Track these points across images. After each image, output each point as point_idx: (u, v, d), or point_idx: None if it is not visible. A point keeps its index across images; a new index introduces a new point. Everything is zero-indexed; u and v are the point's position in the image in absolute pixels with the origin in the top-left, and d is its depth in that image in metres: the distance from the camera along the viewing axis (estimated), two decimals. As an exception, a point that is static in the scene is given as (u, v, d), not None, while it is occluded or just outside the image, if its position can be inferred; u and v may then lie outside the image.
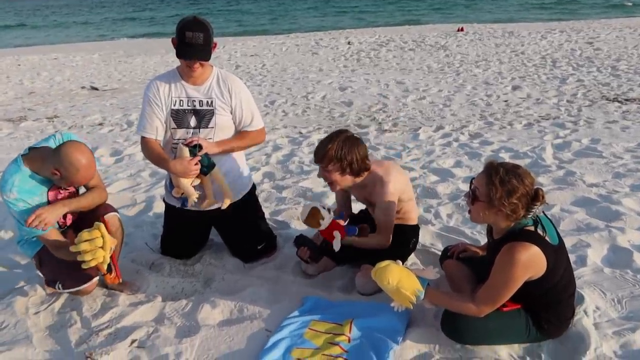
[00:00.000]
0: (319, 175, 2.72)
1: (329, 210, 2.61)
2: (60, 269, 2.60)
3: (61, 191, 2.61)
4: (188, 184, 2.77)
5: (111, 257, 2.49)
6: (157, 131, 2.83)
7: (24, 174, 2.46)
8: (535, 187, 2.07)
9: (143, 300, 2.73)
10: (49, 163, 2.40)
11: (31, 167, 2.47)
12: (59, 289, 2.64)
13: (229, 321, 2.55)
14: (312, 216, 2.59)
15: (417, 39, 15.37)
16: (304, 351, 2.25)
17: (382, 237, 2.73)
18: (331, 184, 2.69)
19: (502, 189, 2.01)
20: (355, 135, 2.69)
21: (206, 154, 2.74)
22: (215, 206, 2.92)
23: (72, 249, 2.34)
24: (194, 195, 2.79)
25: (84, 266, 2.37)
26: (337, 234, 2.60)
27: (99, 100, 9.15)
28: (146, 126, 2.82)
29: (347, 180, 2.67)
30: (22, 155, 2.51)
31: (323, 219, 2.58)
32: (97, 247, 2.34)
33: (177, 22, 2.68)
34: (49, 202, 2.55)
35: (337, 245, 2.60)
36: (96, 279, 2.65)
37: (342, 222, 2.66)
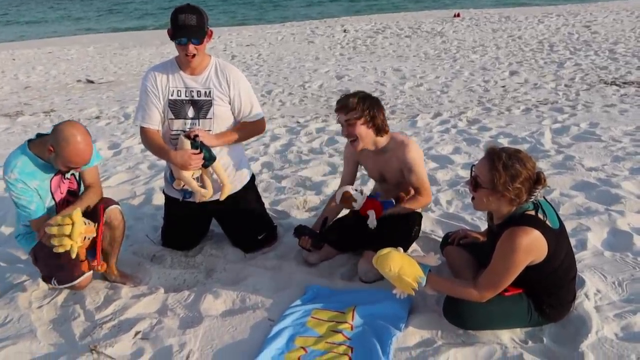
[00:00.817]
0: (344, 134, 2.74)
1: (361, 191, 2.65)
2: (54, 264, 2.59)
3: (64, 180, 2.61)
4: (189, 176, 2.76)
5: (96, 244, 2.50)
6: (156, 121, 2.82)
7: (27, 157, 2.49)
8: (537, 170, 2.07)
9: (145, 292, 2.74)
10: (47, 142, 2.42)
11: (35, 151, 2.50)
12: (55, 284, 2.64)
13: (232, 311, 2.56)
14: (345, 199, 2.62)
15: (413, 25, 15.28)
16: (307, 339, 2.26)
17: (422, 196, 2.77)
18: (355, 140, 2.71)
19: (506, 174, 2.01)
20: (375, 96, 2.77)
21: (207, 147, 2.72)
22: (214, 197, 2.92)
23: (45, 229, 2.32)
24: (201, 191, 2.80)
25: (54, 250, 2.34)
26: (371, 213, 2.64)
27: (95, 93, 9.11)
28: (145, 116, 2.81)
29: (369, 136, 2.71)
30: (28, 140, 2.54)
31: (356, 201, 2.60)
32: (64, 234, 2.30)
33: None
34: (51, 190, 2.56)
35: (372, 223, 2.65)
36: (88, 274, 2.63)
37: (377, 201, 2.69)
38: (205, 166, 2.76)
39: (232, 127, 2.91)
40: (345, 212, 3.04)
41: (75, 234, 2.31)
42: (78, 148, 2.39)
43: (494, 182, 2.04)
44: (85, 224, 2.40)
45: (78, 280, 2.60)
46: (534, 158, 2.13)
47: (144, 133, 2.85)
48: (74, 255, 2.38)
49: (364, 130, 2.68)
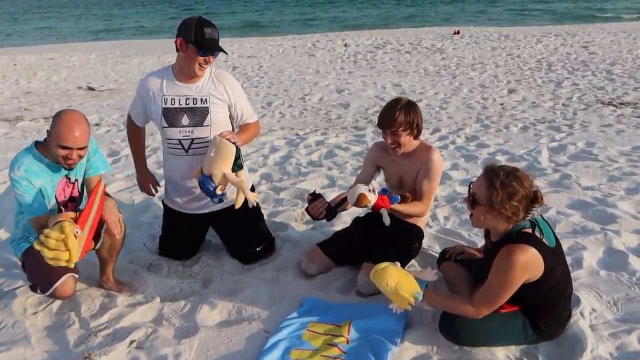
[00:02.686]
0: (387, 142, 2.80)
1: (373, 190, 2.66)
2: (36, 272, 2.55)
3: (68, 184, 2.62)
4: (244, 179, 2.69)
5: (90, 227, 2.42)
6: (141, 122, 3.03)
7: (33, 156, 2.53)
8: (534, 189, 2.09)
9: (141, 301, 2.73)
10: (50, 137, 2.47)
11: (41, 152, 2.53)
12: (39, 293, 2.58)
13: (228, 322, 2.55)
14: (361, 200, 2.62)
15: (413, 41, 15.41)
16: (303, 352, 2.26)
17: (422, 205, 2.81)
18: (399, 146, 2.79)
19: (503, 191, 2.03)
20: (411, 100, 2.84)
21: (241, 153, 2.68)
22: (219, 207, 2.93)
23: (41, 237, 2.24)
24: (254, 197, 2.70)
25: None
26: (383, 211, 2.65)
27: (96, 100, 9.13)
28: (134, 113, 3.03)
29: (411, 142, 2.83)
30: (36, 142, 2.58)
31: (370, 201, 2.62)
32: (60, 258, 2.21)
33: (182, 25, 2.70)
34: (55, 192, 2.58)
35: (386, 220, 2.66)
36: (65, 277, 2.49)
37: (386, 197, 2.70)
38: (234, 170, 2.66)
39: (238, 131, 2.94)
40: (344, 224, 3.04)
41: (72, 247, 2.22)
42: (69, 124, 2.41)
43: (492, 200, 2.06)
44: (76, 235, 2.27)
45: (55, 285, 2.46)
46: (531, 176, 2.15)
47: (129, 121, 3.09)
48: (72, 266, 2.30)
49: (407, 139, 2.78)
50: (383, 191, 2.73)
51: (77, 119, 2.46)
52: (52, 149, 2.47)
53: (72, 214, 2.40)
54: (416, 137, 2.82)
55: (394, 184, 2.98)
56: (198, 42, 2.64)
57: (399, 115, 2.71)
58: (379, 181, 3.19)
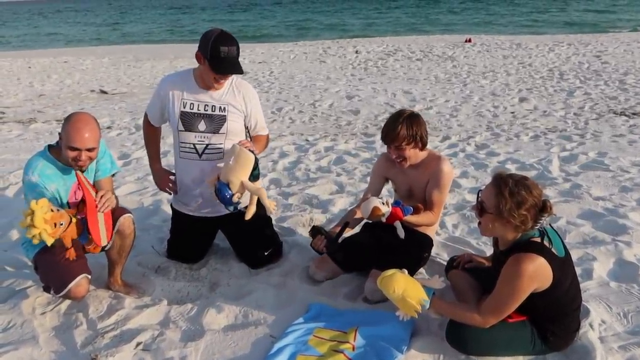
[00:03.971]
0: (392, 156, 2.80)
1: (387, 203, 2.67)
2: (50, 273, 2.57)
3: (79, 188, 2.64)
4: (260, 187, 2.69)
5: (87, 228, 2.44)
6: (157, 121, 3.01)
7: (47, 160, 2.56)
8: (543, 198, 2.08)
9: (149, 304, 2.74)
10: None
11: (54, 155, 2.56)
12: (52, 294, 2.59)
13: (234, 326, 2.56)
14: (374, 213, 2.62)
15: (424, 49, 15.41)
16: (309, 358, 2.25)
17: (433, 215, 2.81)
18: (404, 160, 2.78)
19: (512, 200, 2.02)
20: (414, 112, 2.83)
21: (259, 163, 2.70)
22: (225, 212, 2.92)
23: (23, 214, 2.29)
24: (272, 205, 2.69)
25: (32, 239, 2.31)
26: (397, 224, 2.66)
27: (108, 103, 9.23)
28: (151, 112, 3.03)
29: (416, 155, 2.80)
30: (49, 145, 2.61)
31: (383, 215, 2.62)
32: (29, 225, 2.26)
33: (202, 37, 2.68)
34: (68, 195, 2.60)
35: (401, 233, 2.67)
36: (79, 278, 2.49)
37: (399, 209, 2.70)
38: (250, 180, 2.66)
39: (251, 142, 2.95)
40: (354, 230, 3.04)
41: (36, 221, 2.25)
42: (78, 126, 2.45)
43: (500, 208, 2.05)
44: (52, 210, 2.32)
45: (69, 286, 2.48)
46: (541, 185, 2.14)
47: (146, 120, 3.09)
48: (49, 243, 2.31)
49: (412, 152, 2.76)
50: (396, 203, 2.73)
51: (86, 121, 2.49)
52: (63, 151, 2.50)
53: (72, 211, 2.47)
54: (422, 148, 2.79)
55: (404, 194, 2.97)
56: (213, 60, 2.63)
57: (401, 129, 2.68)
58: (387, 189, 3.19)
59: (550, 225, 2.20)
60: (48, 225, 2.30)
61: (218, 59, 2.62)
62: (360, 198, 3.09)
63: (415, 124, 2.71)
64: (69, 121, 2.48)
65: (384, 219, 2.63)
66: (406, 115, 2.74)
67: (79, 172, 2.55)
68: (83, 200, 2.51)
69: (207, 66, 2.67)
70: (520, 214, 2.03)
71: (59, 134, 2.51)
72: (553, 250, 2.07)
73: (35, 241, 2.31)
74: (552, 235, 2.14)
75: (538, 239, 2.08)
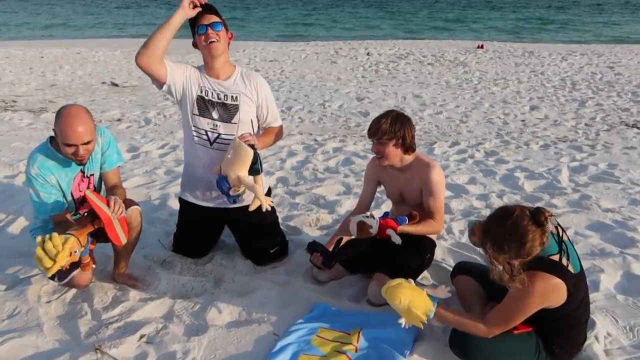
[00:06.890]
0: (373, 150, 2.81)
1: (372, 216, 2.67)
2: None
3: (83, 179, 2.65)
4: (251, 181, 2.68)
5: (107, 233, 2.42)
6: (173, 71, 2.81)
7: (47, 152, 2.54)
8: (532, 209, 2.03)
9: (153, 297, 2.75)
10: None
11: (55, 147, 2.54)
12: (56, 281, 2.61)
13: (237, 323, 2.56)
14: (362, 229, 2.63)
15: (436, 53, 15.37)
16: (311, 358, 2.25)
17: (436, 222, 2.79)
18: (382, 157, 2.77)
19: (514, 249, 1.98)
20: (405, 114, 2.82)
21: (259, 158, 2.70)
22: (232, 205, 2.93)
23: (46, 236, 2.25)
24: (267, 200, 2.73)
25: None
26: (390, 232, 2.65)
27: (119, 96, 9.27)
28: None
29: (397, 155, 2.77)
30: (51, 137, 2.59)
31: (372, 227, 2.62)
32: (43, 263, 2.22)
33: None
34: (71, 187, 2.59)
35: (396, 239, 2.66)
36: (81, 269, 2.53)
37: (390, 219, 2.70)
38: (251, 174, 2.68)
39: (257, 134, 2.95)
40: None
41: (60, 258, 2.21)
42: (69, 121, 2.37)
43: (510, 264, 2.01)
44: (72, 254, 2.28)
45: (72, 274, 2.51)
46: (549, 195, 2.11)
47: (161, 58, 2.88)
48: (49, 274, 2.31)
49: (392, 150, 2.75)
50: (385, 215, 2.74)
51: (76, 115, 2.41)
52: (60, 147, 2.46)
53: (90, 228, 2.41)
54: (406, 151, 2.77)
55: (396, 198, 2.97)
56: (193, 23, 2.74)
57: (384, 123, 2.69)
58: (379, 194, 3.17)
59: (567, 237, 2.15)
60: (67, 258, 2.26)
61: (195, 19, 2.74)
62: (347, 216, 3.11)
63: (400, 122, 2.72)
64: (60, 117, 2.40)
65: (373, 232, 2.63)
66: (394, 113, 2.77)
67: (88, 194, 2.43)
68: (94, 212, 2.42)
69: (195, 35, 2.76)
70: (527, 250, 1.97)
71: (53, 129, 2.45)
72: (570, 268, 2.04)
73: (39, 265, 2.24)
74: (570, 251, 2.10)
75: (557, 257, 2.04)
